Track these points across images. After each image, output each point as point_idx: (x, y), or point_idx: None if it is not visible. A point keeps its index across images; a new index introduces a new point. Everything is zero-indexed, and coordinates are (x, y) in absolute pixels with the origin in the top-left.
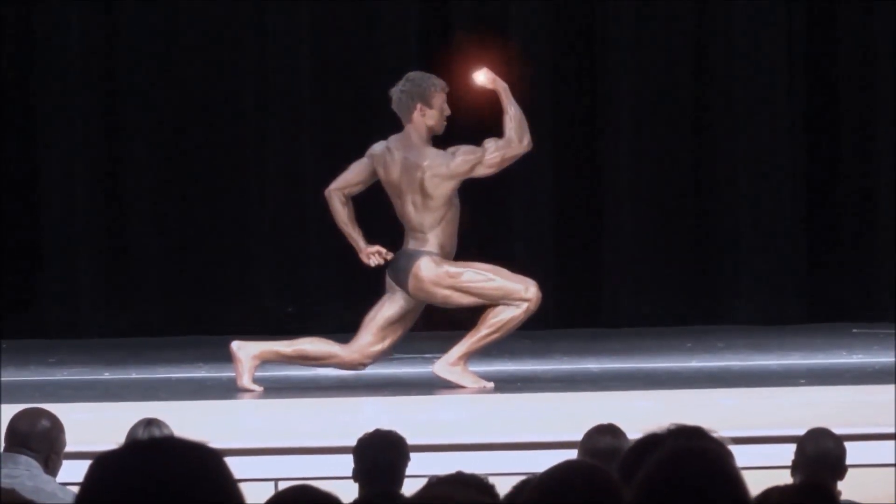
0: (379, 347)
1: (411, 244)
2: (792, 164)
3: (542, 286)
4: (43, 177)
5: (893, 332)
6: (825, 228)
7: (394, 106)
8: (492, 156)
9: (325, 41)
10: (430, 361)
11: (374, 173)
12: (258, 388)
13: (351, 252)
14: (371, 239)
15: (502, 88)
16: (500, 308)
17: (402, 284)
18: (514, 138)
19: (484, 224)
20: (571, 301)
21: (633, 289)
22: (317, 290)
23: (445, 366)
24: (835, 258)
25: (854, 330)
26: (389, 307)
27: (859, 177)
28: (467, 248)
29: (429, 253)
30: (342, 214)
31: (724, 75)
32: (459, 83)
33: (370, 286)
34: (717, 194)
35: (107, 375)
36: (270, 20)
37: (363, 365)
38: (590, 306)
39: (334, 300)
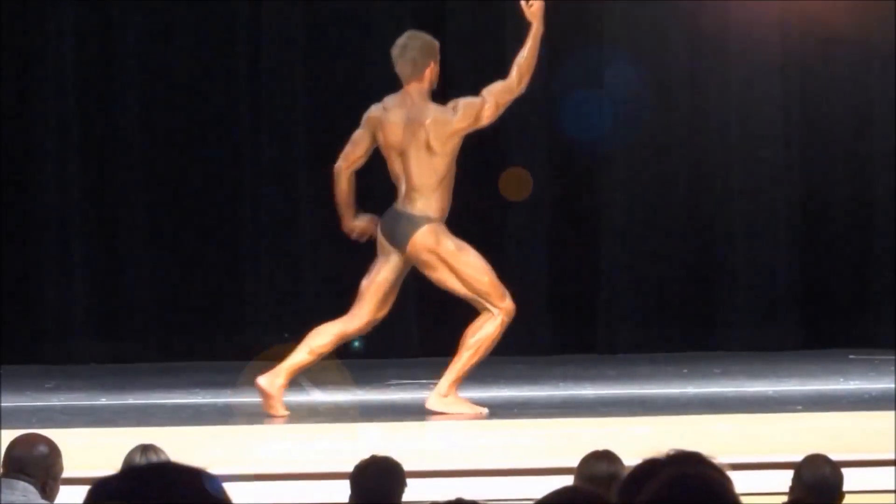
0: (382, 313)
1: (411, 207)
2: (788, 190)
3: (539, 312)
4: (38, 202)
5: (893, 357)
6: (821, 255)
7: (406, 65)
8: (490, 104)
9: (321, 61)
10: (426, 387)
11: (373, 139)
12: (287, 412)
13: (346, 276)
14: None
15: (538, 28)
16: (475, 327)
17: (399, 246)
18: (514, 81)
19: (480, 250)
20: (568, 327)
21: (629, 315)
22: (312, 316)
23: (438, 398)
24: (831, 285)
25: (851, 356)
26: (386, 271)
27: (855, 203)
28: None
29: (430, 219)
30: (345, 195)
31: (719, 103)
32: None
33: None
34: (714, 220)
35: (103, 401)
36: (265, 54)
37: (367, 331)
38: (586, 332)
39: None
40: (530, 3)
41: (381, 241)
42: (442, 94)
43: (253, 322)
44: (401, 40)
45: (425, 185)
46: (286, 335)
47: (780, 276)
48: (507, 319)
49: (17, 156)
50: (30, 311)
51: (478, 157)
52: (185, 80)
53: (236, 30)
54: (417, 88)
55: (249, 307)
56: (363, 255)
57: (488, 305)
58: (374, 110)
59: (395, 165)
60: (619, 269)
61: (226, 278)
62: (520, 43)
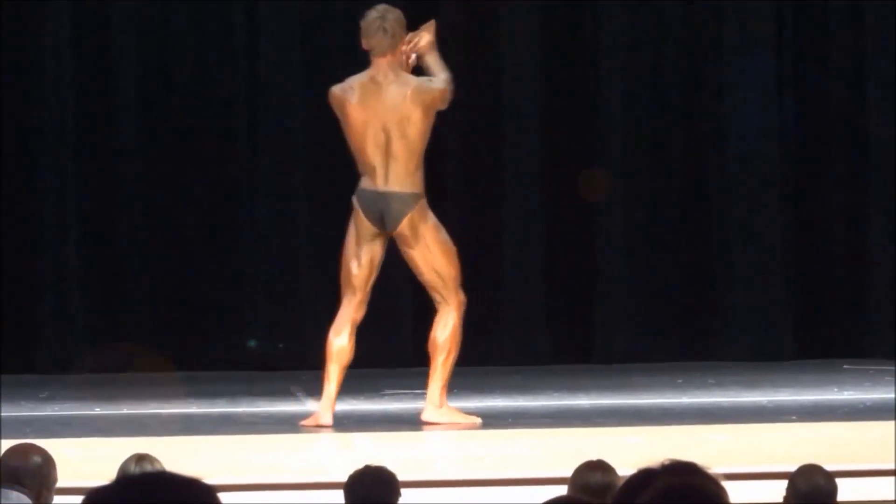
0: (369, 295)
1: (399, 185)
2: (783, 200)
3: (535, 322)
4: (36, 213)
5: (889, 368)
6: (816, 265)
7: (385, 37)
8: (448, 88)
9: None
10: (421, 397)
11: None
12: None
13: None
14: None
15: (433, 56)
16: (439, 326)
17: (391, 228)
18: (448, 79)
19: (475, 258)
20: (563, 337)
21: (624, 325)
22: (311, 325)
23: (433, 409)
24: (825, 295)
25: (845, 366)
26: (371, 254)
27: (851, 213)
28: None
29: (419, 196)
30: None
31: (716, 113)
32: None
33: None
34: (708, 231)
35: (98, 411)
36: (263, 65)
37: None
38: (581, 342)
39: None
40: (415, 42)
41: (365, 224)
42: None
43: (249, 333)
44: (375, 13)
45: (410, 160)
46: (280, 346)
47: (774, 286)
48: (460, 312)
49: (14, 164)
50: (24, 320)
51: (473, 167)
52: (183, 85)
53: (234, 31)
54: (391, 62)
55: (247, 318)
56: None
57: (444, 293)
58: (339, 90)
59: (371, 144)
60: (614, 279)
61: (222, 290)
62: (514, 42)
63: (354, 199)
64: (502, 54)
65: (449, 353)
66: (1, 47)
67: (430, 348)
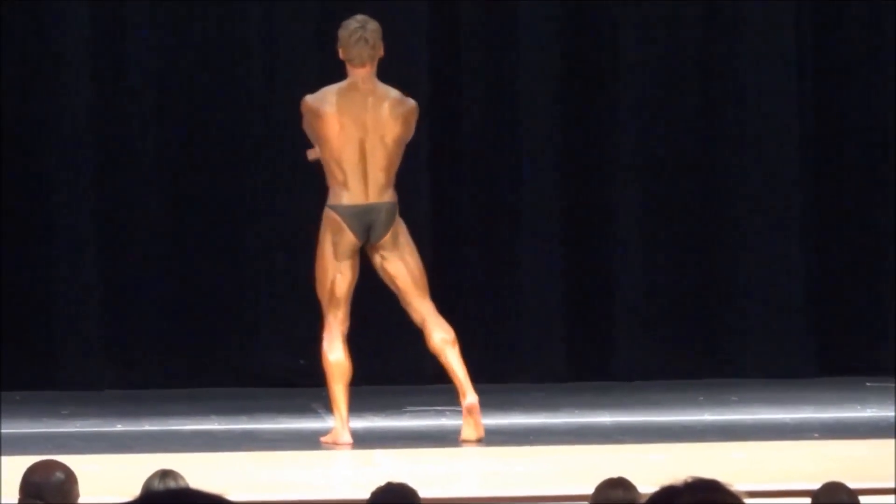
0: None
1: (383, 196)
2: (801, 216)
3: (554, 340)
4: (53, 228)
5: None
6: (837, 281)
7: (366, 48)
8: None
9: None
10: (442, 414)
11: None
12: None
13: (358, 304)
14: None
15: None
16: (439, 330)
17: (378, 238)
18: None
19: (493, 275)
20: (582, 354)
21: (644, 342)
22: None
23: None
24: (848, 311)
25: (868, 383)
26: (354, 269)
27: (869, 228)
28: (476, 297)
29: (396, 204)
30: None
31: (731, 124)
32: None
33: (377, 338)
34: (728, 247)
35: (119, 427)
36: (280, 75)
37: None
38: (601, 359)
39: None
40: None
41: (348, 238)
42: (458, 93)
43: (268, 347)
44: (355, 23)
45: (390, 169)
46: (302, 362)
47: (796, 302)
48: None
49: (30, 181)
50: (45, 336)
51: (489, 181)
52: (199, 97)
53: (249, 40)
54: (369, 73)
55: (265, 332)
56: (371, 278)
57: (422, 297)
58: (313, 99)
59: (350, 153)
60: (634, 296)
61: (242, 305)
62: (534, 44)
63: (334, 215)
64: (518, 61)
65: (455, 345)
66: (15, 57)
67: (440, 348)
